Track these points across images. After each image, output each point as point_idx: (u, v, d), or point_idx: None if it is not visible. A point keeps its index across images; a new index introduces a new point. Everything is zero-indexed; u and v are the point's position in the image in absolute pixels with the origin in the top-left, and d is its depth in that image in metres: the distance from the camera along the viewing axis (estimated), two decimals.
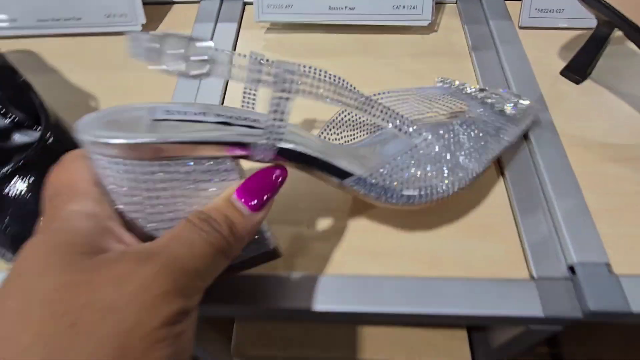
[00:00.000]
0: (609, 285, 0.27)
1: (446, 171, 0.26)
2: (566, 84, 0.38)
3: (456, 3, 0.47)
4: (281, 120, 0.20)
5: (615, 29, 0.34)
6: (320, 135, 0.30)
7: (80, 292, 0.14)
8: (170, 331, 0.14)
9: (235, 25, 0.44)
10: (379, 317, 0.27)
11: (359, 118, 0.30)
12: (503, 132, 0.30)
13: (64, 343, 0.13)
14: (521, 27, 0.43)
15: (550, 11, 0.43)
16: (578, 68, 0.38)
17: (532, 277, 0.28)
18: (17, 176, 0.31)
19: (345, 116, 0.30)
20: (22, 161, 0.30)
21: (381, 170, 0.25)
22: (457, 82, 0.34)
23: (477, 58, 0.41)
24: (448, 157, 0.27)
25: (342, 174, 0.24)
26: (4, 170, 0.30)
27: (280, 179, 0.20)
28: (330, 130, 0.30)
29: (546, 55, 0.41)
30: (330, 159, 0.23)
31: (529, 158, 0.33)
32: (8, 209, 0.31)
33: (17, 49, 0.44)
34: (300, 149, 0.22)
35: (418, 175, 0.26)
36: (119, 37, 0.44)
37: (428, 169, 0.26)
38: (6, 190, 0.31)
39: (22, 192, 0.31)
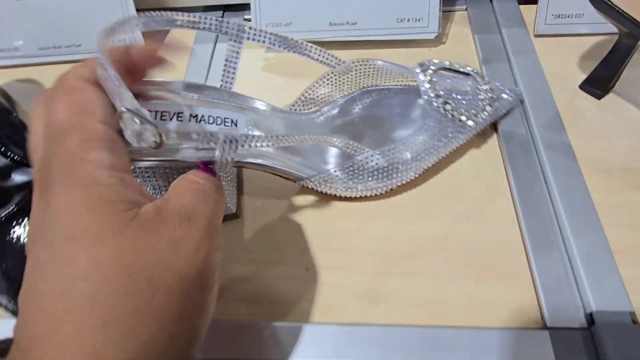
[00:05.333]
0: (632, 337, 0.24)
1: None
2: (586, 99, 0.35)
3: (466, 10, 0.44)
4: (232, 141, 0.22)
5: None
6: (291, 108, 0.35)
7: (145, 254, 0.15)
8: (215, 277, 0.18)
9: None
10: None
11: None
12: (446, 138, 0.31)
13: (146, 296, 0.15)
14: (537, 35, 0.40)
15: (568, 16, 0.39)
16: (599, 82, 0.35)
17: (545, 326, 0.26)
18: (15, 221, 0.31)
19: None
20: (16, 207, 0.30)
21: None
22: (434, 63, 0.34)
23: (487, 71, 0.38)
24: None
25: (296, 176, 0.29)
26: (4, 213, 0.30)
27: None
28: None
29: (564, 66, 0.38)
30: (285, 167, 0.28)
31: (543, 188, 0.31)
32: (8, 254, 0.31)
33: (18, 78, 0.44)
34: (257, 161, 0.27)
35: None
36: None
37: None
38: (6, 235, 0.31)
39: (21, 237, 0.31)
